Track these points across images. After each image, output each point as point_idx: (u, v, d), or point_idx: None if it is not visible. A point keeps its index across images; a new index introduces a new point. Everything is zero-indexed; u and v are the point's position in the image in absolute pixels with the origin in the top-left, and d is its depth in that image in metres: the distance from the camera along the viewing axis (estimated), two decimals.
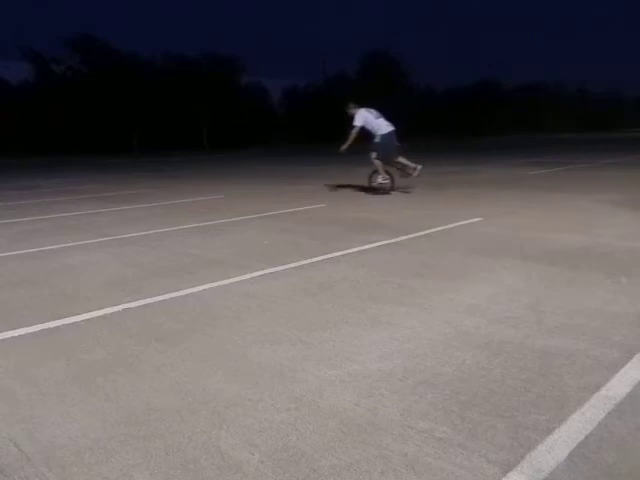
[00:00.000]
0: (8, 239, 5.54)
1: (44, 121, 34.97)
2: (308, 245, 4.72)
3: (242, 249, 4.67)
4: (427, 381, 2.07)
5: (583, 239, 4.54)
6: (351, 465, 1.58)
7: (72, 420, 1.88)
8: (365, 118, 8.09)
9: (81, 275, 3.92)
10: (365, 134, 8.20)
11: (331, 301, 3.10)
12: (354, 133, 8.11)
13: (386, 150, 8.13)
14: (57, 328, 2.81)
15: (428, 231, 5.11)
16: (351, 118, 8.13)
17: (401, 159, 8.34)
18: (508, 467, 1.54)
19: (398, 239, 4.79)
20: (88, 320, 2.91)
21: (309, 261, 4.08)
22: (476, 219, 5.70)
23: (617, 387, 1.97)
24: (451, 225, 5.39)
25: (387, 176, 8.35)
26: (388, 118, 8.30)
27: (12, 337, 2.70)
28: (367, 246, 4.53)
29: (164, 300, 3.23)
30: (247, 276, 3.71)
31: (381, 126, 8.10)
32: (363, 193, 8.54)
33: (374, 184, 8.48)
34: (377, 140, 8.12)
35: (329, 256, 4.21)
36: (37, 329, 2.79)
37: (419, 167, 8.23)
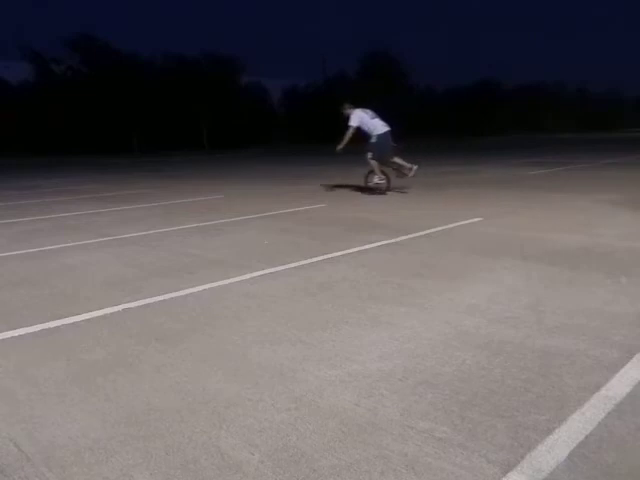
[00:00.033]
0: (8, 239, 5.54)
1: (44, 121, 34.98)
2: (308, 245, 4.72)
3: (242, 249, 4.67)
4: (427, 381, 2.07)
5: (583, 239, 4.54)
6: (351, 465, 1.58)
7: (72, 420, 1.88)
8: (361, 118, 8.11)
9: (81, 275, 3.92)
10: (362, 135, 8.22)
11: (331, 301, 3.10)
12: (349, 133, 8.13)
13: (382, 150, 8.15)
14: (57, 328, 2.81)
15: (428, 231, 5.11)
16: (346, 118, 8.16)
17: (397, 159, 8.36)
18: (508, 467, 1.54)
19: (398, 239, 4.79)
20: (88, 320, 2.91)
21: (309, 261, 4.08)
22: (476, 219, 5.70)
23: (617, 387, 1.97)
24: (451, 225, 5.39)
25: (383, 176, 8.38)
26: (386, 118, 8.32)
27: (12, 337, 2.70)
28: (367, 246, 4.53)
29: (164, 300, 3.23)
30: (247, 276, 3.71)
31: (377, 126, 8.12)
32: (361, 193, 8.55)
33: (370, 184, 8.50)
34: (373, 140, 8.14)
35: (329, 256, 4.21)
36: (37, 329, 2.79)
37: (415, 167, 8.26)
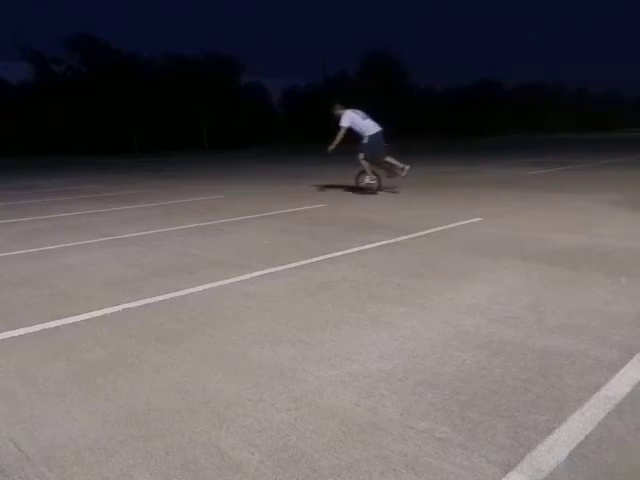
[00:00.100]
0: (8, 239, 5.54)
1: (44, 121, 35.00)
2: (308, 245, 4.73)
3: (242, 249, 4.67)
4: (427, 381, 2.07)
5: (583, 239, 4.54)
6: (351, 465, 1.58)
7: (72, 420, 1.88)
8: (352, 119, 8.14)
9: (81, 275, 3.92)
10: (354, 135, 8.24)
11: (331, 301, 3.10)
12: (341, 134, 8.16)
13: (374, 151, 8.18)
14: (57, 328, 2.81)
15: (428, 231, 5.11)
16: (337, 119, 8.19)
17: (389, 159, 8.39)
18: (508, 467, 1.54)
19: (398, 239, 4.79)
20: (88, 320, 2.91)
21: (309, 261, 4.08)
22: (476, 219, 5.70)
23: (617, 387, 1.97)
24: (451, 225, 5.39)
25: (374, 177, 8.42)
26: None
27: (12, 337, 2.70)
28: (367, 246, 4.53)
29: (164, 300, 3.23)
30: (247, 276, 3.71)
31: (369, 127, 8.16)
32: (353, 193, 8.57)
33: (361, 184, 8.55)
34: (365, 141, 8.17)
35: (329, 256, 4.21)
36: (37, 329, 2.79)
37: (407, 167, 8.29)
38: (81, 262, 4.33)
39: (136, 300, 3.22)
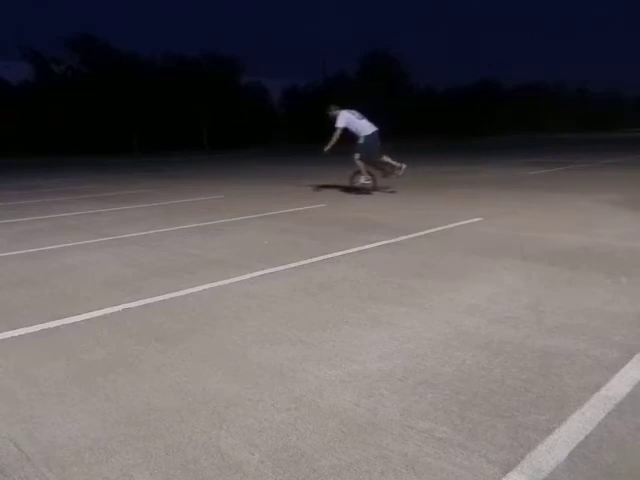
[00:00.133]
0: (8, 239, 5.54)
1: (44, 121, 35.00)
2: (308, 245, 4.73)
3: (242, 249, 4.67)
4: (427, 381, 2.07)
5: (583, 239, 4.54)
6: (351, 465, 1.58)
7: (72, 420, 1.88)
8: (347, 119, 8.17)
9: (81, 275, 3.92)
10: (350, 136, 8.27)
11: (331, 301, 3.10)
12: (337, 135, 8.19)
13: (370, 151, 8.21)
14: (57, 328, 2.81)
15: (428, 231, 5.11)
16: (333, 120, 8.21)
17: (385, 158, 8.42)
18: (508, 467, 1.54)
19: (398, 239, 4.79)
20: (88, 320, 2.91)
21: (309, 261, 4.08)
22: (476, 219, 5.70)
23: (617, 387, 1.97)
24: (451, 225, 5.39)
25: (369, 177, 8.45)
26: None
27: (12, 337, 2.70)
28: (367, 246, 4.54)
29: (164, 300, 3.23)
30: (247, 276, 3.71)
31: (364, 127, 8.18)
32: (348, 193, 8.57)
33: (357, 184, 8.56)
34: (361, 141, 8.19)
35: (329, 256, 4.21)
36: (37, 329, 2.79)
37: (404, 166, 8.33)
38: (81, 262, 4.33)
39: (136, 300, 3.22)
